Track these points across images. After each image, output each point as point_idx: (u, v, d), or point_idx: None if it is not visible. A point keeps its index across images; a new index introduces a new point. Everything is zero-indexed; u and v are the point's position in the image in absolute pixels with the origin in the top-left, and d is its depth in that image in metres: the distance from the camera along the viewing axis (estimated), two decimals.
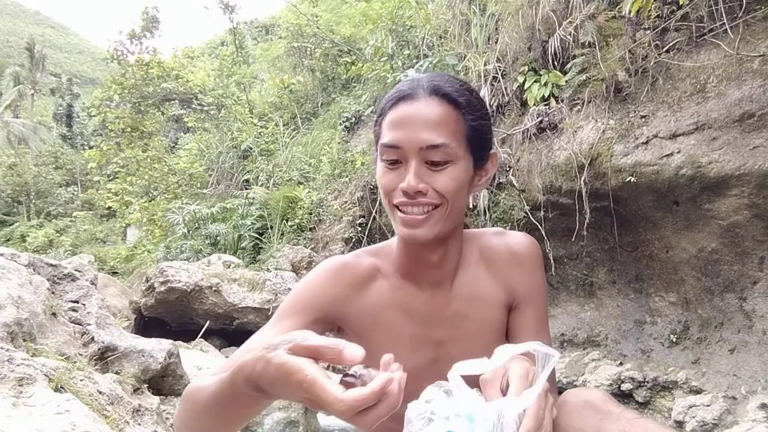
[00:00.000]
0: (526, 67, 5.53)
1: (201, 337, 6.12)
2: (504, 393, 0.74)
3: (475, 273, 1.08)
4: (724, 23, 4.10)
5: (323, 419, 4.95)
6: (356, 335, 1.05)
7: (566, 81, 5.24)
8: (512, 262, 1.09)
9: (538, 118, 5.39)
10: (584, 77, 5.09)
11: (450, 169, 0.92)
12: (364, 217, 7.30)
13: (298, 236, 8.02)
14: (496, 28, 6.09)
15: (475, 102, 0.97)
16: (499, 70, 5.83)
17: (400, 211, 0.94)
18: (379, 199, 7.14)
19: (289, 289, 6.32)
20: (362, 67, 8.51)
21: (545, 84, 5.35)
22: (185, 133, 15.92)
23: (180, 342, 4.44)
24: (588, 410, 0.83)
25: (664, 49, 4.59)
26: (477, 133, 0.96)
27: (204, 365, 4.06)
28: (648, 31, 4.66)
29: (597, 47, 5.01)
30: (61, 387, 1.75)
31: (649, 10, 4.39)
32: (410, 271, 1.06)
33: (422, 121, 0.91)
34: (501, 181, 5.75)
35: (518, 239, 1.12)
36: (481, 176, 1.02)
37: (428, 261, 1.03)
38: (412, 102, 0.93)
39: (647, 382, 4.77)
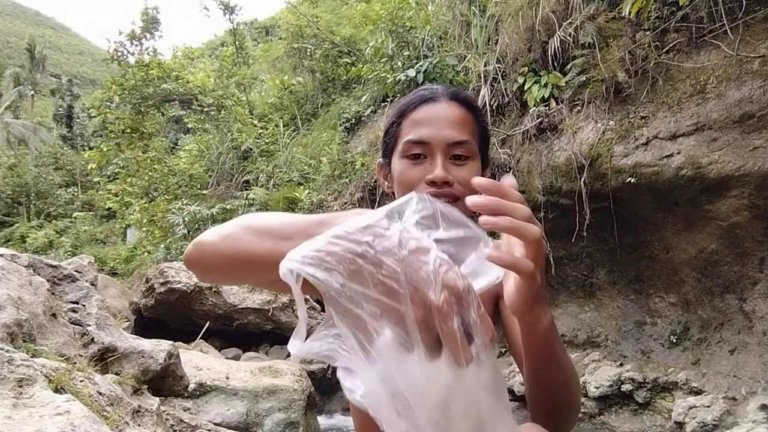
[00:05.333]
0: (526, 68, 5.53)
1: (201, 337, 6.13)
2: None
3: None
4: (723, 24, 4.11)
5: (323, 420, 4.96)
6: None
7: (566, 82, 5.24)
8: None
9: (538, 119, 5.39)
10: (584, 78, 5.09)
11: (470, 164, 1.02)
12: None
13: None
14: (496, 29, 6.09)
15: (480, 109, 1.12)
16: (499, 71, 5.83)
17: None
18: (378, 200, 7.15)
19: None
20: (362, 68, 8.51)
21: (545, 85, 5.35)
22: (185, 134, 15.93)
23: (180, 343, 4.45)
24: None
25: (664, 50, 4.59)
26: (485, 136, 1.08)
27: (204, 366, 4.06)
28: (648, 32, 4.66)
29: (597, 48, 5.01)
30: (61, 388, 1.75)
31: (649, 11, 4.39)
32: None
33: (447, 119, 1.02)
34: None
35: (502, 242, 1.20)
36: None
37: None
38: (435, 104, 1.03)
39: (647, 383, 4.77)
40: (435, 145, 0.99)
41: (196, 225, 9.08)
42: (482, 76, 5.91)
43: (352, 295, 0.54)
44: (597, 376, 5.02)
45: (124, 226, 14.78)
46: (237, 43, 13.77)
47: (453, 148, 1.00)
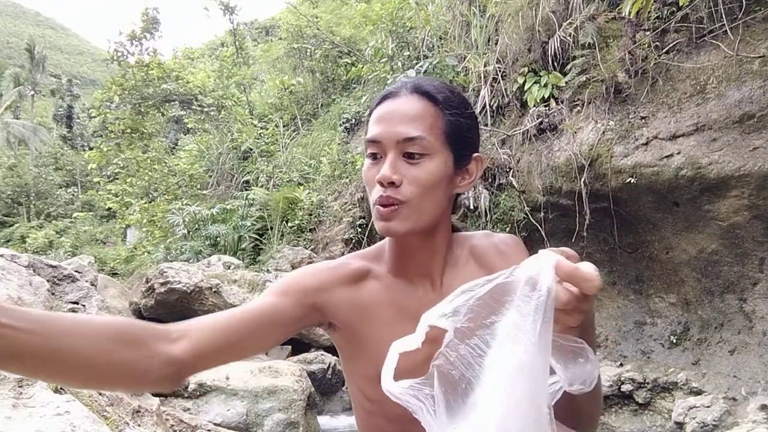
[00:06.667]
0: (526, 68, 5.53)
1: None
2: None
3: (465, 270, 1.09)
4: (723, 24, 4.11)
5: (323, 420, 4.95)
6: (348, 332, 1.06)
7: (566, 82, 5.24)
8: (498, 254, 1.11)
9: (538, 119, 5.39)
10: (584, 78, 5.09)
11: (425, 162, 0.95)
12: (364, 218, 7.29)
13: (298, 237, 8.02)
14: (496, 30, 6.09)
15: (454, 100, 1.01)
16: (499, 71, 5.84)
17: (378, 205, 0.97)
18: None
19: None
20: (362, 68, 8.51)
21: (545, 85, 5.36)
22: (185, 135, 15.92)
23: None
24: None
25: (664, 50, 4.59)
26: (456, 129, 0.99)
27: None
28: (648, 33, 4.66)
29: (597, 48, 5.01)
30: (60, 388, 1.75)
31: (649, 11, 4.39)
32: (402, 268, 1.07)
33: (400, 115, 0.96)
34: (501, 182, 5.75)
35: (503, 237, 1.16)
36: (465, 177, 1.03)
37: (416, 254, 1.05)
38: (394, 99, 0.99)
39: (647, 383, 4.77)
40: (386, 143, 0.96)
41: (196, 225, 9.08)
42: (482, 76, 5.91)
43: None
44: None
45: (124, 226, 14.76)
46: (237, 43, 13.77)
47: (404, 145, 0.94)
